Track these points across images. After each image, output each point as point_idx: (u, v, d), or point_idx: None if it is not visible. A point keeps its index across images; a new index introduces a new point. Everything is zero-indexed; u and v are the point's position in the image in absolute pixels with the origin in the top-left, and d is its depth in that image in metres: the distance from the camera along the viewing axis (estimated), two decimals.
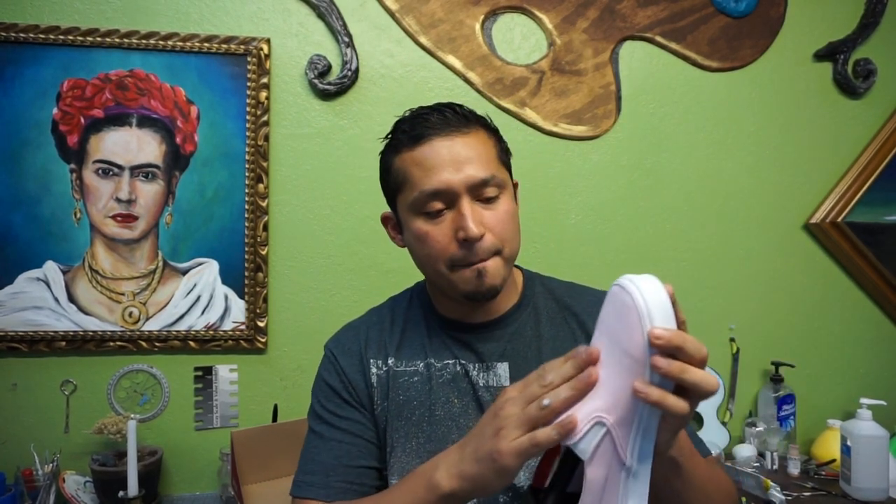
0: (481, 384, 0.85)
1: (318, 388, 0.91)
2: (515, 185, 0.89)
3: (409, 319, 0.93)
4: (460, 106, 0.85)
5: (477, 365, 0.86)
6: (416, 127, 0.81)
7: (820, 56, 1.80)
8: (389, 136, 0.86)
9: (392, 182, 0.86)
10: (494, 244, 0.80)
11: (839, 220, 1.78)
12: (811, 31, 1.79)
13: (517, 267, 0.93)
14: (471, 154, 0.80)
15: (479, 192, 0.80)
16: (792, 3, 1.78)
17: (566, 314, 0.90)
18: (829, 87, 1.81)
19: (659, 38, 1.73)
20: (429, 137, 0.80)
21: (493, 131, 0.87)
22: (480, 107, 1.65)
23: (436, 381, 0.86)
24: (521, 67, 1.68)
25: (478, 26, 1.65)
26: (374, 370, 0.88)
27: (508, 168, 0.87)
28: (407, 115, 0.85)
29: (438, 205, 0.80)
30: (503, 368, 0.86)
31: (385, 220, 0.95)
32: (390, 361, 0.89)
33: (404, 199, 0.84)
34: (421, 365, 0.88)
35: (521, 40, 1.68)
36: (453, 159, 0.79)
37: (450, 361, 0.87)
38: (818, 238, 1.81)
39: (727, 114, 1.76)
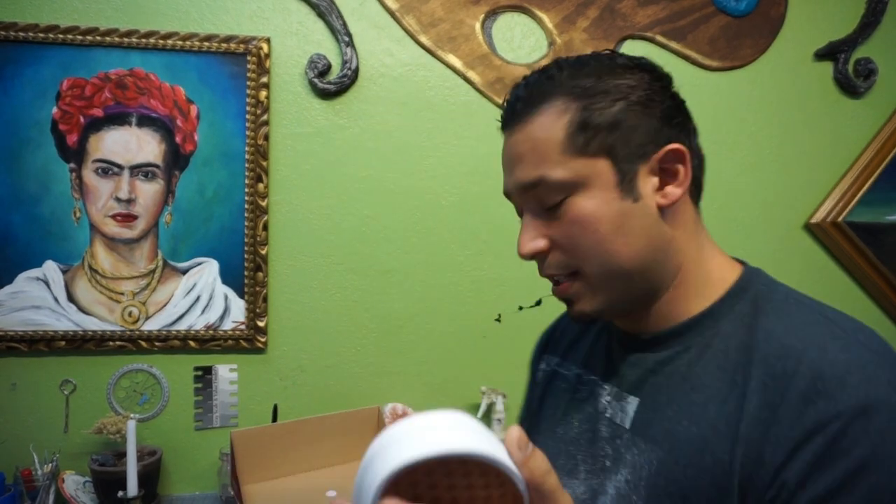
0: (606, 414, 0.67)
1: None
2: (642, 159, 0.60)
3: None
4: (536, 78, 0.63)
5: (614, 390, 0.68)
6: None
7: (820, 55, 1.79)
8: None
9: None
10: (562, 263, 0.63)
11: (839, 219, 1.78)
12: (812, 30, 1.79)
13: (739, 262, 0.67)
14: (521, 150, 0.62)
15: (538, 198, 0.62)
16: (792, 2, 1.78)
17: (741, 356, 0.57)
18: (829, 86, 1.81)
19: (659, 38, 1.72)
20: (504, 133, 0.66)
21: (575, 96, 0.60)
22: (481, 107, 1.66)
23: (572, 395, 0.73)
24: (521, 67, 1.68)
25: (478, 25, 1.65)
26: (542, 366, 0.82)
27: (603, 148, 0.59)
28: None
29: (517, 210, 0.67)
30: (633, 404, 0.64)
31: None
32: (555, 361, 0.80)
33: None
34: (574, 372, 0.75)
35: (522, 39, 1.68)
36: (508, 160, 0.64)
37: (594, 377, 0.71)
38: (818, 238, 1.81)
39: (727, 113, 1.76)
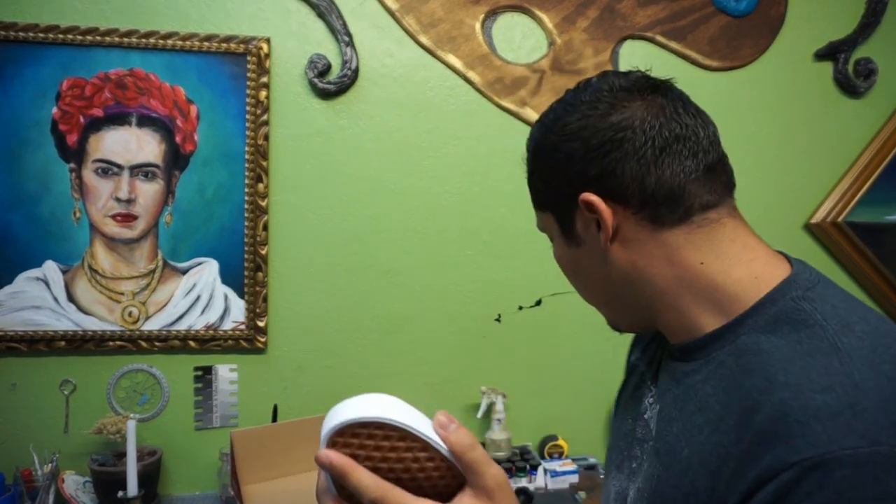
0: (645, 416, 0.67)
1: None
2: (563, 208, 0.63)
3: None
4: (527, 139, 0.69)
5: (656, 393, 0.66)
6: None
7: (820, 55, 1.79)
8: None
9: None
10: None
11: (839, 219, 1.78)
12: (812, 30, 1.79)
13: (793, 264, 0.62)
14: None
15: None
16: (792, 2, 1.78)
17: (742, 382, 0.53)
18: (829, 86, 1.81)
19: (659, 38, 1.72)
20: None
21: (528, 162, 0.67)
22: (480, 106, 1.66)
23: (634, 391, 0.72)
24: (521, 67, 1.68)
25: (478, 26, 1.65)
26: (632, 357, 0.80)
27: (545, 204, 0.66)
28: None
29: None
30: (657, 412, 0.64)
31: None
32: (637, 354, 0.78)
33: None
34: (641, 368, 0.74)
35: (522, 39, 1.68)
36: None
37: (649, 376, 0.70)
38: (818, 238, 1.81)
39: (727, 113, 1.76)
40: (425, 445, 0.47)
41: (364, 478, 0.47)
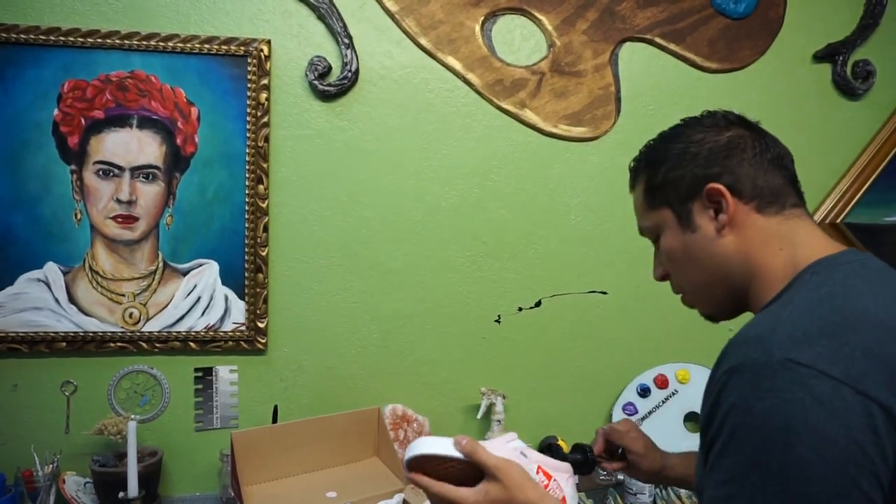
0: None
1: None
2: (685, 200, 0.81)
3: None
4: (636, 158, 0.89)
5: None
6: None
7: (819, 57, 1.80)
8: None
9: None
10: (674, 285, 0.87)
11: (838, 221, 1.78)
12: (810, 32, 1.79)
13: (839, 250, 0.77)
14: (634, 208, 0.90)
15: (649, 238, 0.89)
16: (791, 4, 1.78)
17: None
18: (828, 88, 1.81)
19: (658, 40, 1.73)
20: None
21: (644, 170, 0.86)
22: (480, 108, 1.67)
23: None
24: (520, 69, 1.68)
25: (478, 28, 1.65)
26: None
27: (663, 200, 0.83)
28: None
29: None
30: None
31: None
32: None
33: None
34: None
35: (521, 42, 1.69)
36: None
37: None
38: None
39: None
40: (457, 461, 0.78)
41: (424, 480, 0.79)
